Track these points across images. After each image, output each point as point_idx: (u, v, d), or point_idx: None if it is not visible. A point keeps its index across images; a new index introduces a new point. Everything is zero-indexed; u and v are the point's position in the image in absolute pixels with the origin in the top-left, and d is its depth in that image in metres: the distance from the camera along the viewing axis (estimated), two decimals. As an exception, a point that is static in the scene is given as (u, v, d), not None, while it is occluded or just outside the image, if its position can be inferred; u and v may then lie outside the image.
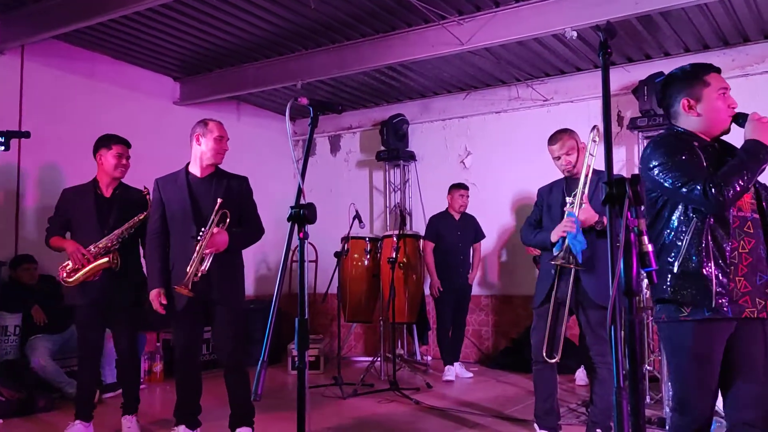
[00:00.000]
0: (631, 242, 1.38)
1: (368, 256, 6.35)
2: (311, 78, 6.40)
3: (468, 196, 6.42)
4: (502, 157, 7.13)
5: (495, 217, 7.07)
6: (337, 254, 6.07)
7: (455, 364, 6.14)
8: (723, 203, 2.08)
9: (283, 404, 4.89)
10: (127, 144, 4.10)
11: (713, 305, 2.12)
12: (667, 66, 6.18)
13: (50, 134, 5.71)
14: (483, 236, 6.44)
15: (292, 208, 1.97)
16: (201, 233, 3.45)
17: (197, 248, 3.42)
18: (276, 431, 4.01)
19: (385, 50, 5.90)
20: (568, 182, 3.66)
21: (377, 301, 6.43)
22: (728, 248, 2.16)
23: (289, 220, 1.97)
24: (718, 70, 2.36)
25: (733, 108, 2.30)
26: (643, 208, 1.43)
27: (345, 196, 7.73)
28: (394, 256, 5.75)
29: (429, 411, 4.76)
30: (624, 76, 6.38)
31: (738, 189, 2.08)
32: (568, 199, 3.53)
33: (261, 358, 1.81)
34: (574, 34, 4.88)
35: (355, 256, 6.27)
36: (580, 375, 5.75)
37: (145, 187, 3.99)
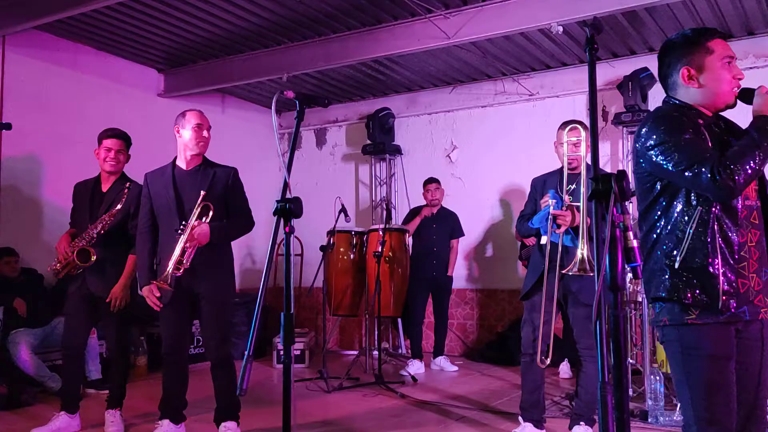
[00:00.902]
0: (616, 238, 1.39)
1: (354, 250, 6.34)
2: (297, 71, 6.37)
3: (439, 189, 6.40)
4: (487, 151, 7.15)
5: (480, 211, 7.10)
6: (322, 248, 6.06)
7: (440, 357, 6.17)
8: (733, 189, 1.81)
9: (268, 398, 4.89)
10: (120, 137, 4.01)
11: (719, 307, 1.88)
12: (651, 61, 6.22)
13: (32, 126, 5.64)
14: (461, 234, 6.42)
15: (278, 202, 1.96)
16: (183, 226, 3.42)
17: (178, 241, 3.39)
18: (261, 425, 4.00)
19: (371, 43, 5.89)
20: (564, 175, 3.62)
21: (363, 295, 6.44)
22: (737, 241, 1.91)
23: (275, 214, 1.96)
24: (723, 36, 2.07)
25: (739, 79, 2.03)
26: (629, 200, 1.42)
27: (331, 189, 7.73)
28: (379, 249, 5.75)
29: (414, 404, 4.77)
30: (609, 72, 6.41)
31: (750, 173, 1.81)
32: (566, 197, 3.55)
33: (246, 353, 1.80)
34: (560, 29, 4.90)
35: (341, 249, 6.26)
36: (564, 368, 5.80)
37: (128, 183, 3.94)
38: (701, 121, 1.98)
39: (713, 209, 1.91)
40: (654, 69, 6.08)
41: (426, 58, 6.44)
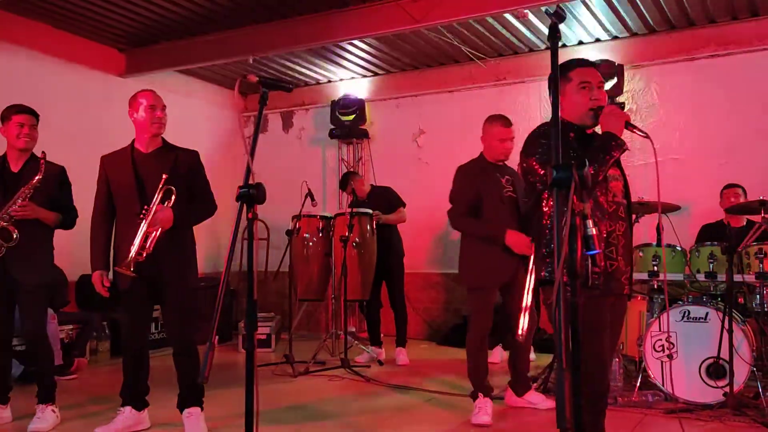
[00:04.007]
0: (576, 226, 1.40)
1: (321, 235, 6.30)
2: (263, 53, 6.28)
3: (362, 182, 6.33)
4: (454, 136, 7.15)
5: (446, 195, 7.08)
6: (288, 232, 6.02)
7: (398, 348, 5.97)
8: None
9: (232, 382, 4.86)
10: (32, 112, 3.75)
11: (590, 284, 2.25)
12: (615, 48, 6.30)
13: (-14, 107, 5.45)
14: (399, 204, 6.17)
15: (240, 187, 1.94)
16: (145, 211, 3.36)
17: (140, 226, 3.33)
18: (226, 410, 3.98)
19: (339, 26, 5.83)
20: (495, 167, 3.91)
21: (329, 279, 6.42)
22: (605, 230, 2.28)
23: (237, 200, 1.94)
24: (590, 64, 2.45)
25: (596, 100, 2.37)
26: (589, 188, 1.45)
27: (297, 173, 7.65)
28: (346, 234, 5.73)
29: (381, 388, 4.80)
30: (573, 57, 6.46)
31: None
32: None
33: (209, 340, 1.78)
34: (527, 13, 4.91)
35: (306, 235, 6.22)
36: (497, 351, 5.82)
37: (42, 152, 3.68)
38: (572, 134, 2.37)
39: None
40: (619, 56, 6.17)
41: (394, 41, 6.41)
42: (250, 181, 1.98)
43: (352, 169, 7.45)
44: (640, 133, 2.24)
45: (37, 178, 3.61)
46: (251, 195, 1.91)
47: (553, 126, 1.49)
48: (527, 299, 3.53)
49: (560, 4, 4.98)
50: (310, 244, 6.25)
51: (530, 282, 3.36)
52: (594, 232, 1.46)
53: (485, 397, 3.85)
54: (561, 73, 2.41)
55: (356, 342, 6.44)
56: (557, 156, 1.40)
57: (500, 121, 3.90)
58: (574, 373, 1.31)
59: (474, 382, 3.97)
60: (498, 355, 5.80)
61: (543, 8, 4.71)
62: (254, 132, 2.05)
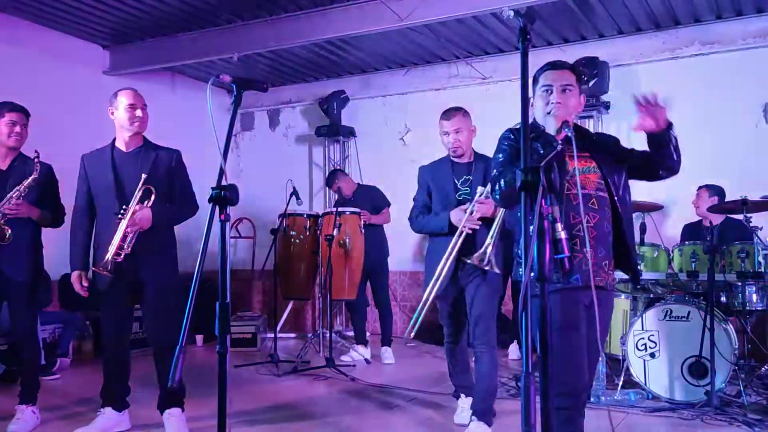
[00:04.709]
0: (544, 229, 1.40)
1: (307, 233, 6.29)
2: (248, 51, 6.25)
3: (346, 180, 6.28)
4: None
5: (434, 194, 7.11)
6: (273, 231, 6.00)
7: (384, 347, 5.96)
8: (497, 199, 2.39)
9: (215, 383, 4.83)
10: (23, 111, 3.76)
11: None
12: (602, 47, 6.31)
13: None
14: (385, 204, 6.17)
15: (213, 189, 1.92)
16: (123, 210, 3.33)
17: (119, 226, 3.30)
18: (208, 411, 3.95)
19: (323, 24, 5.80)
20: (454, 165, 3.65)
21: (316, 278, 6.41)
22: (569, 222, 2.30)
23: (210, 201, 1.92)
24: (557, 66, 2.47)
25: (552, 104, 2.40)
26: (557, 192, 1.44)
27: (284, 171, 7.63)
28: (332, 233, 5.71)
29: (365, 388, 4.79)
30: (559, 56, 6.42)
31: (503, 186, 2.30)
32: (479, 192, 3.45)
33: (179, 344, 1.76)
34: (511, 13, 4.89)
35: (293, 233, 6.20)
36: (513, 348, 5.90)
37: (36, 151, 3.68)
38: (533, 134, 2.35)
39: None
40: (603, 55, 6.18)
41: (380, 39, 6.39)
42: (223, 182, 1.96)
43: (338, 167, 7.43)
44: (568, 132, 2.24)
45: (32, 177, 3.61)
46: (223, 197, 1.89)
47: (522, 129, 1.48)
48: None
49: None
50: (297, 242, 6.23)
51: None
52: (563, 236, 1.45)
53: (468, 397, 3.83)
54: (534, 77, 2.49)
55: (342, 341, 6.44)
56: (525, 159, 1.40)
57: (443, 114, 3.65)
58: (543, 376, 1.30)
59: (453, 382, 3.94)
60: (516, 351, 5.81)
61: (511, 10, 4.65)
62: (227, 133, 2.02)
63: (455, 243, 3.37)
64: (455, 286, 3.56)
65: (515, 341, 5.88)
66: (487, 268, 3.24)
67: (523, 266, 1.35)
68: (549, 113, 2.39)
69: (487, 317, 3.47)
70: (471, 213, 3.36)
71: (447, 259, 3.37)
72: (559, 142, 2.26)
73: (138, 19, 5.99)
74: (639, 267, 4.36)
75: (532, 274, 1.37)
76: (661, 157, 2.40)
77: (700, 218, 5.28)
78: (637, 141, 2.65)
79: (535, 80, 2.48)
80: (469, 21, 5.86)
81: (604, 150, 2.50)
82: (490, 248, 3.24)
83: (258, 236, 7.83)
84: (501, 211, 3.31)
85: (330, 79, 7.81)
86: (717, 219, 5.10)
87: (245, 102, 8.19)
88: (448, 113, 3.58)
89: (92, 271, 3.44)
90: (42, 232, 3.86)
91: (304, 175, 7.96)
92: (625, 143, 2.61)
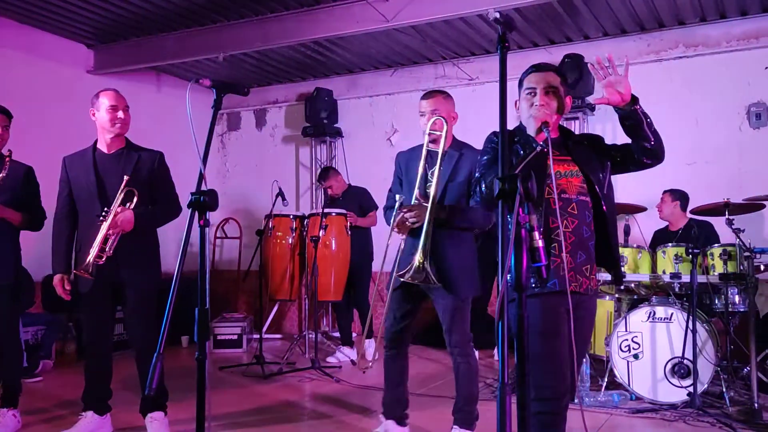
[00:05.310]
0: (521, 238, 1.40)
1: (294, 234, 6.27)
2: (234, 50, 6.21)
3: (338, 178, 6.26)
4: (428, 135, 7.15)
5: (420, 194, 7.10)
6: (258, 232, 5.97)
7: (368, 341, 5.85)
8: (477, 201, 2.42)
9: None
10: (4, 113, 3.70)
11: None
12: (587, 49, 6.33)
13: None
14: (371, 207, 6.12)
15: (192, 194, 1.90)
16: (105, 212, 3.30)
17: (100, 228, 3.27)
18: (191, 414, 3.90)
19: (310, 24, 5.79)
20: (429, 154, 3.22)
21: (302, 279, 6.39)
22: (547, 227, 2.29)
23: (189, 206, 1.90)
24: (541, 69, 2.46)
25: (535, 106, 2.38)
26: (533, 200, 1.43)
27: (271, 171, 7.63)
28: (318, 234, 5.70)
29: (350, 389, 4.78)
30: (546, 58, 6.45)
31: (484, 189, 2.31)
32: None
33: (156, 351, 1.75)
34: (497, 15, 4.90)
35: (279, 234, 6.18)
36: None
37: (8, 150, 3.64)
38: (517, 138, 2.41)
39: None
40: (589, 57, 6.20)
41: (366, 40, 6.38)
42: (204, 187, 1.94)
43: (327, 167, 7.42)
44: (547, 134, 2.24)
45: (0, 176, 3.55)
46: (203, 202, 1.88)
47: (500, 135, 1.47)
48: None
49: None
50: (282, 243, 6.22)
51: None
52: (540, 244, 1.45)
53: (388, 419, 3.45)
54: (520, 79, 2.48)
55: (328, 342, 6.43)
56: (504, 167, 1.39)
57: (423, 94, 3.35)
58: (520, 384, 1.30)
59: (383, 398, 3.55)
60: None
61: (497, 12, 4.66)
62: (207, 137, 2.01)
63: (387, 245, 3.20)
64: (412, 291, 3.25)
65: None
66: (431, 284, 2.99)
67: (500, 275, 1.34)
68: (531, 115, 2.39)
69: (459, 323, 3.20)
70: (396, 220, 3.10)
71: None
72: (539, 143, 2.25)
73: (123, 18, 5.94)
74: (623, 268, 4.44)
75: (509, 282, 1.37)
76: (638, 140, 2.35)
77: (667, 223, 5.37)
78: (622, 140, 2.64)
79: (520, 83, 2.47)
80: (455, 22, 5.86)
81: (588, 150, 2.47)
82: (422, 262, 2.93)
83: (244, 237, 7.80)
84: (427, 222, 2.99)
85: (317, 79, 7.78)
86: (681, 222, 5.25)
87: (232, 102, 8.16)
88: (429, 93, 3.31)
89: (74, 274, 3.41)
90: (20, 234, 3.79)
91: (291, 175, 7.93)
92: (610, 142, 2.60)
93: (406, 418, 3.47)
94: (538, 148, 2.19)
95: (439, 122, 3.16)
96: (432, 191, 3.03)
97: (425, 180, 3.18)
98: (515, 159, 2.28)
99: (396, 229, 3.14)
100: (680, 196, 5.28)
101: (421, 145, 3.24)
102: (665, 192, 5.34)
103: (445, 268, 3.11)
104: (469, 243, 3.31)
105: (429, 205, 3.01)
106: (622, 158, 2.47)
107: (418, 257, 2.94)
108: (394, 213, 3.14)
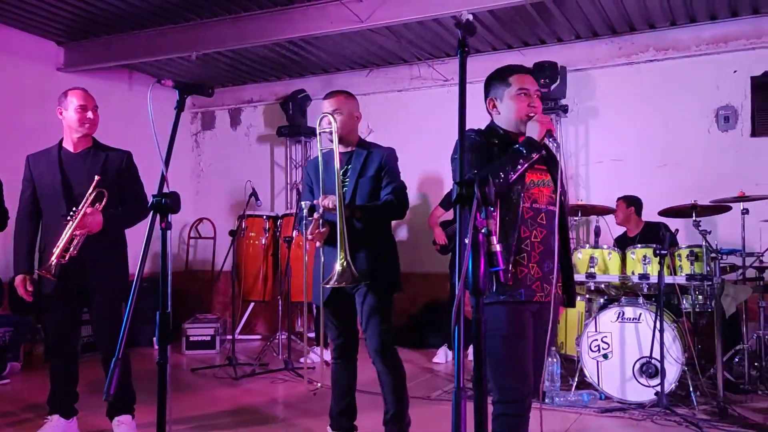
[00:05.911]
0: (479, 242, 1.40)
1: (267, 235, 6.24)
2: (207, 49, 6.16)
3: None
4: (402, 135, 7.12)
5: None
6: (231, 232, 5.93)
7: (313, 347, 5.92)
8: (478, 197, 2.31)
9: (171, 387, 4.76)
10: None
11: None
12: (559, 51, 6.39)
13: None
14: None
15: (153, 196, 1.88)
16: (72, 212, 3.24)
17: (66, 228, 3.22)
18: (161, 416, 3.89)
19: (284, 24, 5.76)
20: (348, 155, 3.19)
21: (275, 280, 6.36)
22: (517, 237, 2.27)
23: (150, 208, 1.88)
24: (527, 71, 2.48)
25: (532, 108, 2.39)
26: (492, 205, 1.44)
27: (245, 171, 7.56)
28: (291, 234, 5.68)
29: (323, 390, 4.76)
30: (519, 60, 6.50)
31: (500, 181, 2.21)
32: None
33: (115, 356, 1.72)
34: (470, 17, 4.91)
35: (252, 234, 6.15)
36: (443, 352, 5.85)
37: None
38: (496, 140, 2.39)
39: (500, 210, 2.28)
40: (561, 59, 6.26)
41: (341, 40, 6.36)
42: (165, 190, 1.92)
43: (301, 167, 7.39)
44: (553, 144, 2.29)
45: None
46: (164, 205, 1.86)
47: (459, 140, 1.48)
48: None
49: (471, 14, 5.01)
50: (256, 243, 6.19)
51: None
52: (498, 249, 1.46)
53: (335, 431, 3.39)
54: (500, 78, 2.45)
55: (302, 343, 6.40)
56: (462, 171, 1.40)
57: (325, 95, 3.30)
58: (476, 389, 1.31)
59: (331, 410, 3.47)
60: (443, 355, 5.84)
61: (464, 18, 4.65)
62: (170, 139, 1.98)
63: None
64: (340, 295, 3.13)
65: (446, 344, 5.88)
66: (359, 284, 2.95)
67: (457, 279, 1.35)
68: (530, 116, 2.36)
69: (376, 325, 3.06)
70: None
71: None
72: (521, 146, 2.26)
73: (95, 15, 5.85)
74: (593, 269, 4.49)
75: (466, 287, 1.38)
76: None
77: (625, 229, 5.45)
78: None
79: (503, 80, 2.44)
80: (429, 23, 5.87)
81: (557, 161, 2.45)
82: (344, 264, 2.87)
83: (218, 237, 7.74)
84: (339, 223, 2.90)
85: (292, 79, 7.74)
86: (637, 227, 5.35)
87: (206, 101, 8.09)
88: (331, 93, 3.24)
89: (37, 274, 3.35)
90: None
91: (266, 175, 7.88)
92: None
93: (355, 430, 3.37)
94: (553, 146, 2.24)
95: (327, 119, 3.09)
96: (338, 191, 2.94)
97: (333, 182, 3.05)
98: (520, 159, 2.26)
99: (310, 236, 2.98)
100: (633, 202, 5.36)
101: (324, 151, 3.15)
102: (619, 199, 5.41)
103: (363, 265, 3.00)
104: (386, 236, 3.22)
105: (339, 205, 2.91)
106: None
107: (339, 260, 2.87)
108: (304, 221, 3.00)
